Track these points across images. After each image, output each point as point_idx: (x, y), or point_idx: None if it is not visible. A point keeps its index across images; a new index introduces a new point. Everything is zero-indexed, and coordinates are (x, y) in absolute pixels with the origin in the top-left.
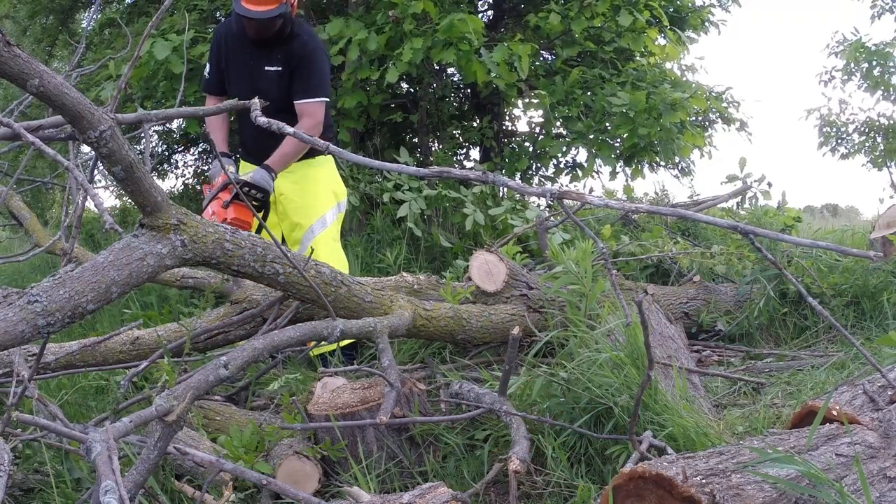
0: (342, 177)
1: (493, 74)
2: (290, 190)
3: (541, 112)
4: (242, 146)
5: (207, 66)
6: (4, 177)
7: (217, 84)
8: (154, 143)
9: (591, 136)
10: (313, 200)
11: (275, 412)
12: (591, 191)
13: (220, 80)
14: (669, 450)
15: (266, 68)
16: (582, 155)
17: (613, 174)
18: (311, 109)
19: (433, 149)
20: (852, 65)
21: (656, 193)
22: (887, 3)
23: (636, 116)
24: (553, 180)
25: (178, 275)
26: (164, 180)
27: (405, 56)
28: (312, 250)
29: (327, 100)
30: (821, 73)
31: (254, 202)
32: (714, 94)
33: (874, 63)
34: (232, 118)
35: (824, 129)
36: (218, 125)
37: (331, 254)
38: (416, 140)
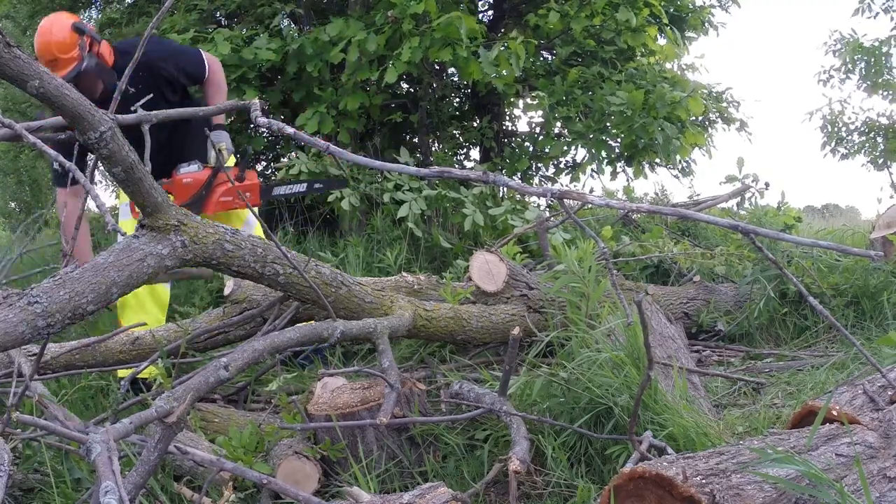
0: (343, 177)
1: (493, 75)
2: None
3: (540, 112)
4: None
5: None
6: (5, 176)
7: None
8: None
9: (591, 137)
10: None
11: (274, 412)
12: (591, 191)
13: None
14: (669, 450)
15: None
16: (581, 155)
17: (614, 174)
18: (211, 64)
19: (433, 149)
20: (849, 64)
21: (656, 193)
22: (879, 3)
23: (633, 115)
24: (553, 180)
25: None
26: None
27: (404, 56)
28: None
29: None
30: (819, 72)
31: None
32: (714, 94)
33: (871, 62)
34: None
35: (826, 130)
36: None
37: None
38: (416, 140)
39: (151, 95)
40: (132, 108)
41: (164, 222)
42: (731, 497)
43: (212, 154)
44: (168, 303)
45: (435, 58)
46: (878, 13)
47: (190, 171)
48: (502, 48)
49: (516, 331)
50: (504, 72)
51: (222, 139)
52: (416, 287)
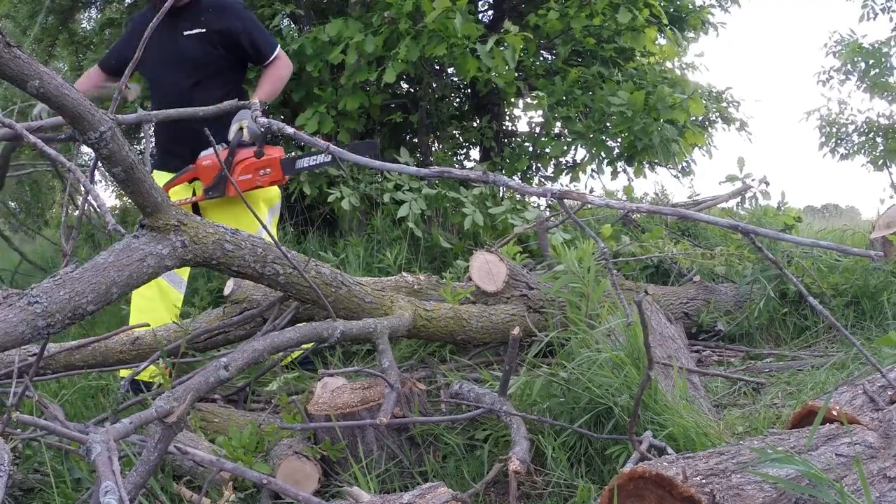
0: (342, 177)
1: (492, 74)
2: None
3: (540, 112)
4: (160, 149)
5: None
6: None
7: (115, 63)
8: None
9: (591, 137)
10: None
11: (274, 412)
12: (591, 191)
13: (120, 61)
14: (669, 450)
15: (185, 33)
16: (581, 155)
17: (614, 174)
18: (280, 56)
19: (433, 149)
20: (849, 65)
21: (656, 193)
22: (880, 3)
23: (634, 116)
24: (553, 180)
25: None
26: None
27: (401, 54)
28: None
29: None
30: (818, 72)
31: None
32: (714, 94)
33: (871, 63)
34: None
35: (824, 130)
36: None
37: None
38: (416, 140)
39: (204, 30)
40: (185, 32)
41: (165, 222)
42: (731, 497)
43: (232, 130)
44: (180, 305)
45: (431, 53)
46: (877, 14)
47: (209, 153)
48: (502, 48)
49: (516, 331)
50: (503, 69)
51: (244, 117)
52: (416, 287)
